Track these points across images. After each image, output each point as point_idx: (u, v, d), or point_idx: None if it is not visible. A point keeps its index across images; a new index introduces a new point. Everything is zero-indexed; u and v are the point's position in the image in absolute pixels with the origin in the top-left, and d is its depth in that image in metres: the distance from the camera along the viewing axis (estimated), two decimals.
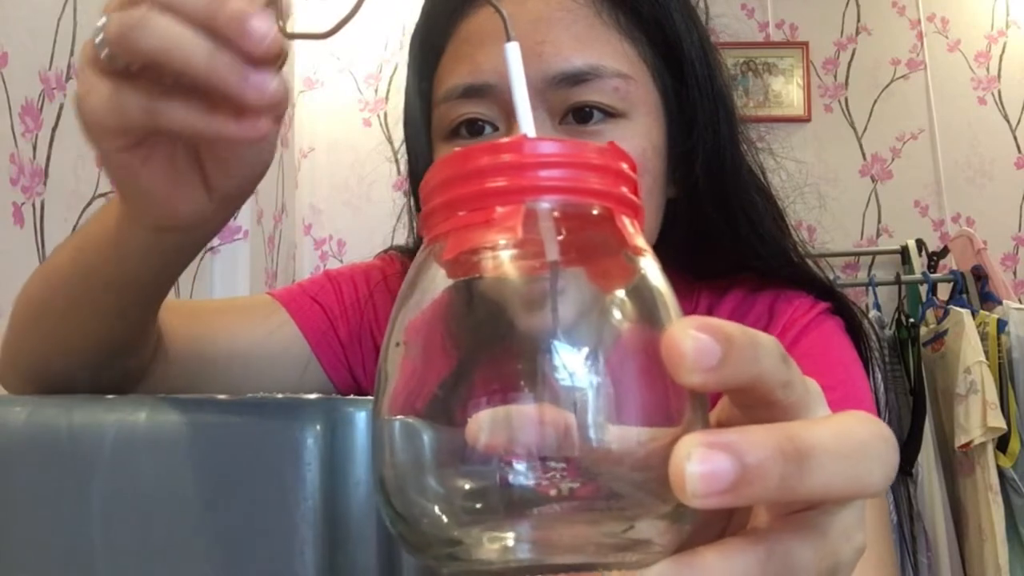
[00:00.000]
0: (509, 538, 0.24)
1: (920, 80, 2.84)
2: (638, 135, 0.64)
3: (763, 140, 0.75)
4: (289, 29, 0.37)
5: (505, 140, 0.26)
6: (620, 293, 0.26)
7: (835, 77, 2.86)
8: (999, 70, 2.84)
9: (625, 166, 0.27)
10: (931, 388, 2.34)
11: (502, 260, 0.25)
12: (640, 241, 0.27)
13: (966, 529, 2.26)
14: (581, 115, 0.63)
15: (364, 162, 2.53)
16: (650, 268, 0.27)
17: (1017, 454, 2.23)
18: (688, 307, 0.74)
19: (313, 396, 0.40)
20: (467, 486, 0.24)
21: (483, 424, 0.24)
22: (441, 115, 0.66)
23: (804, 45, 2.83)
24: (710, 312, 0.73)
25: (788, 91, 2.81)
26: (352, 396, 0.41)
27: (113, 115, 0.40)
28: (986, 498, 2.18)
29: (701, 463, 0.22)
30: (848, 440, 0.24)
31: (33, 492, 0.39)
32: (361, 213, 2.55)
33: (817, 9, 2.86)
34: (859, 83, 2.85)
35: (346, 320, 0.78)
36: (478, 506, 0.24)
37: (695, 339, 0.23)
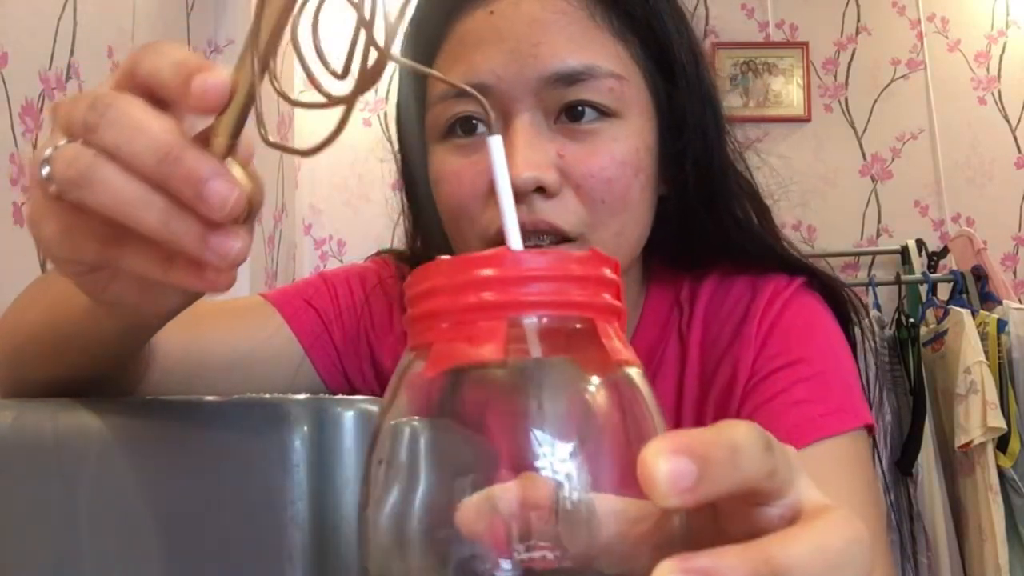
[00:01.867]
0: None
1: (920, 80, 2.84)
2: (631, 134, 0.65)
3: (749, 139, 0.75)
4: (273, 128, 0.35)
5: (489, 253, 0.26)
6: (600, 392, 0.27)
7: (835, 77, 2.86)
8: (999, 70, 2.84)
9: (608, 271, 0.28)
10: (931, 388, 2.34)
11: (484, 374, 0.26)
12: (622, 350, 0.27)
13: (966, 529, 2.26)
14: (574, 113, 0.64)
15: (364, 162, 2.54)
16: (634, 373, 0.27)
17: (1017, 454, 2.23)
18: (671, 295, 0.75)
19: (301, 397, 0.40)
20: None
21: (466, 516, 0.25)
22: (436, 115, 0.66)
23: (804, 45, 2.83)
24: (692, 297, 0.74)
25: (788, 91, 2.80)
26: (340, 396, 0.41)
27: (65, 249, 0.38)
28: (986, 498, 2.18)
29: None
30: (824, 554, 0.25)
31: (19, 495, 0.39)
32: (361, 213, 2.55)
33: (817, 9, 2.86)
34: (859, 83, 2.85)
35: (341, 324, 0.78)
36: None
37: (669, 462, 0.23)
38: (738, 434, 0.25)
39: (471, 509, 0.25)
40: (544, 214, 0.62)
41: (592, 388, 0.27)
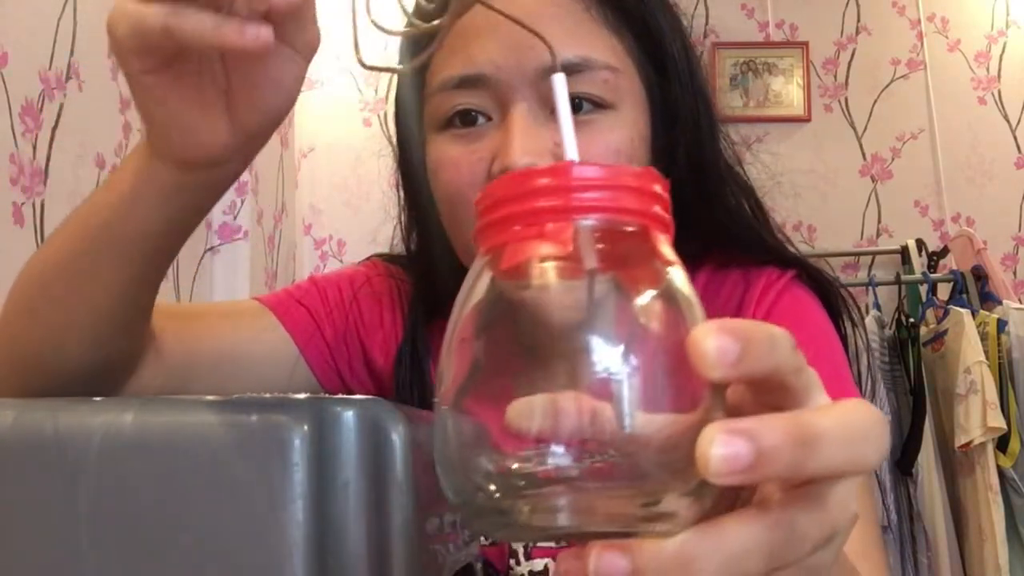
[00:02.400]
0: (552, 509, 0.28)
1: (920, 80, 2.84)
2: (626, 125, 0.66)
3: (740, 136, 0.76)
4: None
5: (554, 165, 0.29)
6: (650, 296, 0.30)
7: (835, 77, 2.86)
8: (999, 70, 2.84)
9: (658, 187, 0.30)
10: (931, 388, 2.34)
11: (551, 270, 0.29)
12: (670, 253, 0.30)
13: (966, 529, 2.26)
14: (571, 105, 0.64)
15: (364, 162, 2.54)
16: (678, 276, 0.30)
17: (1017, 454, 2.23)
18: None
19: (301, 396, 0.40)
20: (515, 465, 0.28)
21: (529, 410, 0.28)
22: (435, 106, 0.67)
23: (804, 45, 2.83)
24: None
25: (788, 91, 2.81)
26: (340, 396, 0.41)
27: (133, 34, 0.43)
28: (986, 498, 2.18)
29: (723, 447, 0.25)
30: (849, 426, 0.28)
31: (19, 495, 0.39)
32: (361, 213, 2.55)
33: (817, 9, 2.86)
34: (859, 83, 2.85)
35: (331, 321, 0.79)
36: (523, 483, 0.28)
37: (717, 338, 0.26)
38: (774, 329, 0.28)
39: (529, 406, 0.28)
40: None
41: (643, 298, 0.30)
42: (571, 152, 0.32)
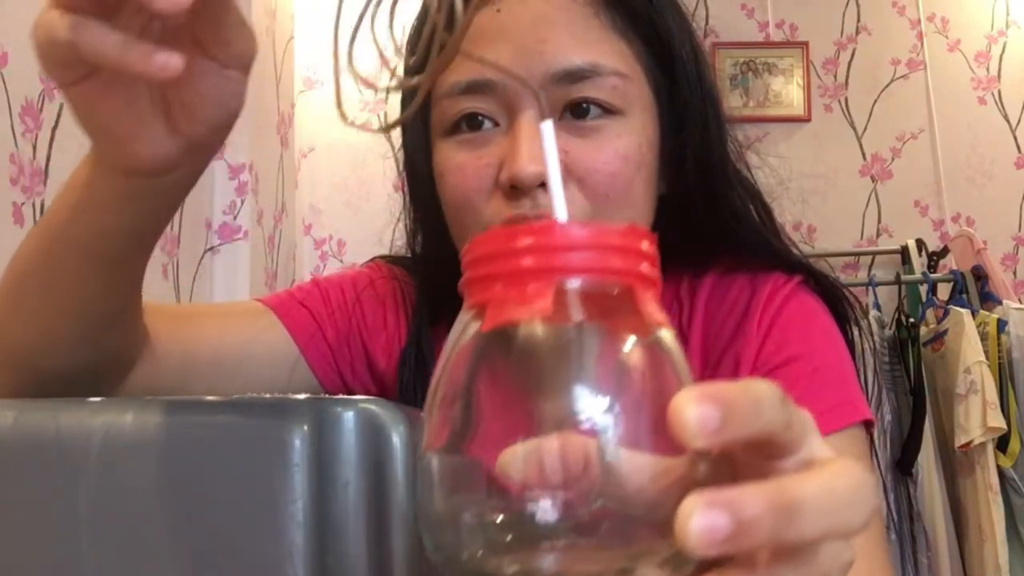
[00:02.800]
0: (533, 570, 0.27)
1: (920, 80, 2.84)
2: (634, 131, 0.66)
3: (748, 138, 0.76)
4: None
5: (539, 223, 0.30)
6: (635, 353, 0.30)
7: (835, 77, 2.86)
8: (999, 70, 2.84)
9: (645, 245, 0.30)
10: (931, 388, 2.34)
11: (536, 328, 0.29)
12: (656, 312, 0.30)
13: (966, 529, 2.26)
14: (578, 111, 0.65)
15: (364, 162, 2.54)
16: (664, 335, 0.30)
17: (1017, 454, 2.23)
18: (671, 292, 0.76)
19: (301, 396, 0.40)
20: (498, 519, 0.28)
21: (514, 462, 0.28)
22: (442, 111, 0.67)
23: (804, 45, 2.83)
24: (692, 293, 0.75)
25: (788, 91, 2.81)
26: (340, 396, 0.41)
27: (48, 45, 0.41)
28: (986, 498, 2.18)
29: (703, 518, 0.25)
30: (832, 492, 0.28)
31: (20, 495, 0.39)
32: (361, 213, 2.55)
33: (817, 9, 2.86)
34: (859, 83, 2.85)
35: (334, 323, 0.78)
36: (508, 538, 0.28)
37: (698, 407, 0.26)
38: (760, 388, 0.28)
39: (516, 456, 0.28)
40: (549, 208, 0.63)
41: (628, 349, 0.30)
42: (559, 211, 0.32)
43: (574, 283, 0.29)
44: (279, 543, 0.38)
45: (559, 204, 0.32)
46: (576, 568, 0.27)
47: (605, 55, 0.65)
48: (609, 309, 0.30)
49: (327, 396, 0.41)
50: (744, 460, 0.31)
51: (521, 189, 0.63)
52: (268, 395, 0.41)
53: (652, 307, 0.30)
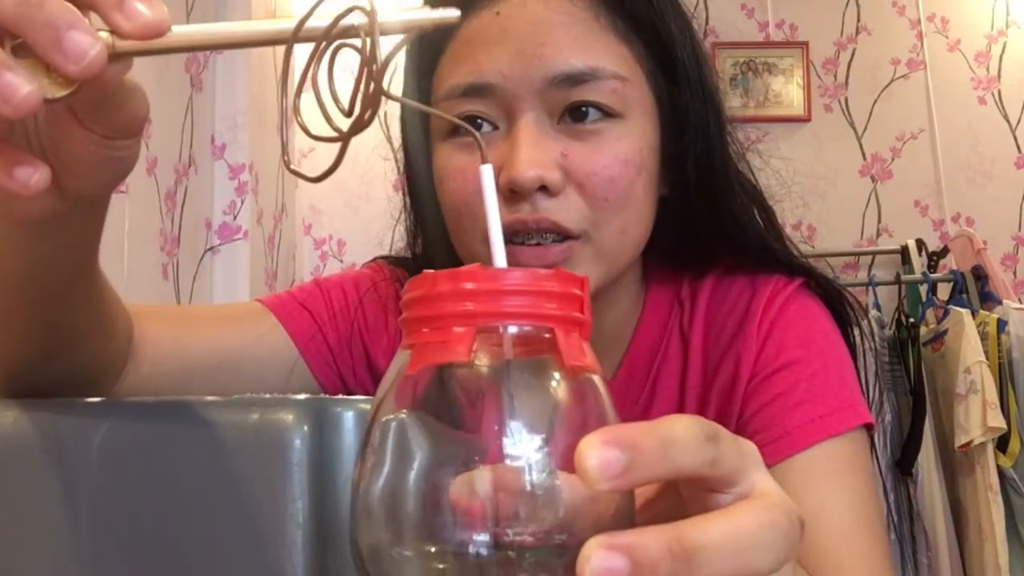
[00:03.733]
0: None
1: (920, 80, 2.84)
2: (634, 135, 0.66)
3: (750, 140, 0.76)
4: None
5: (469, 268, 0.30)
6: (555, 394, 0.31)
7: (835, 77, 2.86)
8: (999, 70, 2.84)
9: (574, 289, 0.31)
10: (931, 388, 2.34)
11: (459, 370, 0.30)
12: (580, 356, 0.31)
13: (966, 529, 2.26)
14: (577, 114, 0.65)
15: (364, 162, 2.53)
16: (587, 378, 0.31)
17: (1017, 454, 2.23)
18: (671, 293, 0.76)
19: (301, 397, 0.40)
20: (434, 550, 0.29)
21: (444, 494, 0.28)
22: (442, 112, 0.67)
23: (804, 45, 2.83)
24: (693, 295, 0.75)
25: (788, 91, 2.80)
26: (339, 396, 0.41)
27: None
28: (986, 498, 2.18)
29: (601, 561, 0.26)
30: (735, 536, 0.28)
31: (20, 495, 0.39)
32: (361, 213, 2.55)
33: (817, 9, 2.86)
34: (859, 83, 2.85)
35: (335, 326, 0.78)
36: (440, 568, 0.28)
37: (599, 452, 0.26)
38: (675, 427, 0.28)
39: (446, 488, 0.28)
40: (547, 212, 0.63)
41: (553, 386, 0.31)
42: (498, 257, 0.33)
43: (497, 327, 0.30)
44: (279, 543, 0.38)
45: (498, 248, 0.33)
46: None
47: (604, 58, 0.65)
48: (537, 352, 0.31)
49: (326, 396, 0.41)
50: (686, 492, 0.31)
51: (520, 193, 0.63)
52: (268, 395, 0.41)
53: (575, 349, 0.31)
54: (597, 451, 0.26)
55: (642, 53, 0.68)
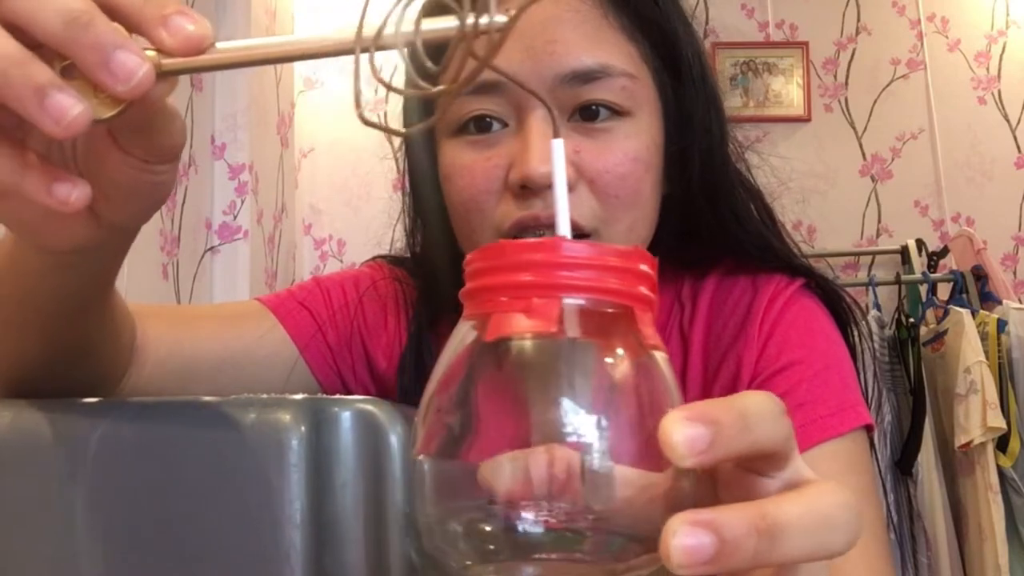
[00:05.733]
0: None
1: (920, 80, 2.84)
2: (643, 132, 0.66)
3: (749, 139, 0.76)
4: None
5: (546, 240, 0.30)
6: (628, 371, 0.31)
7: (835, 77, 2.86)
8: (999, 70, 2.84)
9: (644, 266, 0.31)
10: (931, 388, 2.33)
11: (535, 342, 0.30)
12: (652, 335, 0.31)
13: (966, 529, 2.26)
14: (588, 112, 0.65)
15: (364, 162, 2.54)
16: (659, 357, 0.31)
17: (1017, 454, 2.23)
18: (672, 293, 0.76)
19: (298, 397, 0.40)
20: (486, 528, 0.28)
21: (502, 470, 0.28)
22: (451, 109, 0.66)
23: (804, 45, 2.83)
24: (694, 295, 0.75)
25: (788, 91, 2.80)
26: (337, 396, 0.41)
27: None
28: (986, 498, 2.18)
29: (686, 538, 0.26)
30: (814, 515, 0.28)
31: (16, 496, 0.39)
32: (361, 213, 2.55)
33: (817, 9, 2.86)
34: (859, 83, 2.85)
35: (335, 325, 0.78)
36: (493, 547, 0.28)
37: (686, 428, 0.27)
38: (751, 402, 0.28)
39: (503, 466, 0.28)
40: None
41: (621, 367, 0.30)
42: (563, 228, 0.33)
43: (575, 301, 0.30)
44: (277, 544, 0.38)
45: (564, 222, 0.33)
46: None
47: (614, 56, 0.65)
48: (606, 328, 0.30)
49: (324, 396, 0.41)
50: (727, 475, 0.32)
51: (532, 189, 0.62)
52: (265, 395, 0.41)
53: (648, 328, 0.31)
54: (682, 427, 0.27)
55: (648, 52, 0.68)
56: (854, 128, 2.84)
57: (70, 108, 0.33)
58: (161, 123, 0.39)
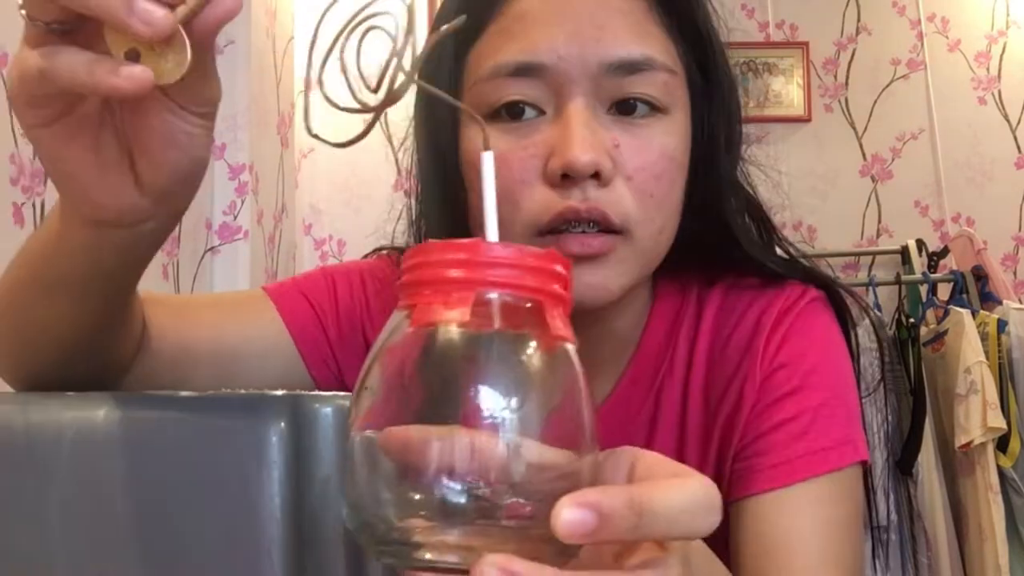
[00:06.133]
0: (442, 544, 0.31)
1: (920, 80, 2.84)
2: (678, 132, 0.65)
3: (749, 138, 0.75)
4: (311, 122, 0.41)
5: (468, 241, 0.33)
6: (540, 360, 0.34)
7: (835, 77, 2.85)
8: (999, 70, 2.83)
9: (558, 267, 0.34)
10: (931, 388, 2.33)
11: (454, 332, 0.33)
12: (562, 328, 0.34)
13: (966, 529, 2.26)
14: (626, 106, 0.63)
15: (365, 162, 2.54)
16: (568, 348, 0.34)
17: (1017, 454, 2.22)
18: (679, 301, 0.75)
19: (278, 392, 0.40)
20: (415, 497, 0.31)
21: (426, 446, 0.31)
22: (483, 92, 0.64)
23: (804, 45, 2.82)
24: (700, 304, 0.74)
25: (788, 91, 2.80)
26: (317, 392, 0.41)
27: (20, 82, 0.41)
28: (986, 498, 2.18)
29: (571, 514, 0.30)
30: (680, 502, 0.32)
31: None
32: (361, 213, 2.55)
33: (817, 9, 2.86)
34: (859, 83, 2.85)
35: (337, 319, 0.76)
36: (419, 515, 0.31)
37: (573, 512, 0.30)
38: (666, 500, 0.32)
39: (430, 442, 0.31)
40: (598, 202, 0.61)
41: (531, 355, 0.34)
42: (491, 232, 0.36)
43: (493, 295, 0.33)
44: (257, 540, 0.38)
45: (492, 226, 0.36)
46: (479, 544, 0.31)
47: (657, 50, 0.64)
48: (519, 320, 0.34)
49: (304, 392, 0.41)
50: None
51: (572, 179, 0.61)
52: (244, 390, 0.41)
53: (559, 322, 0.34)
54: (570, 511, 0.30)
55: (685, 51, 0.67)
56: (854, 128, 2.84)
57: (155, 10, 0.37)
58: (203, 69, 0.42)
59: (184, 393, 0.41)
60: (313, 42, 0.39)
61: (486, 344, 0.33)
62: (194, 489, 0.38)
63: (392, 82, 0.37)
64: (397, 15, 0.37)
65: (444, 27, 0.38)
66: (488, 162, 0.37)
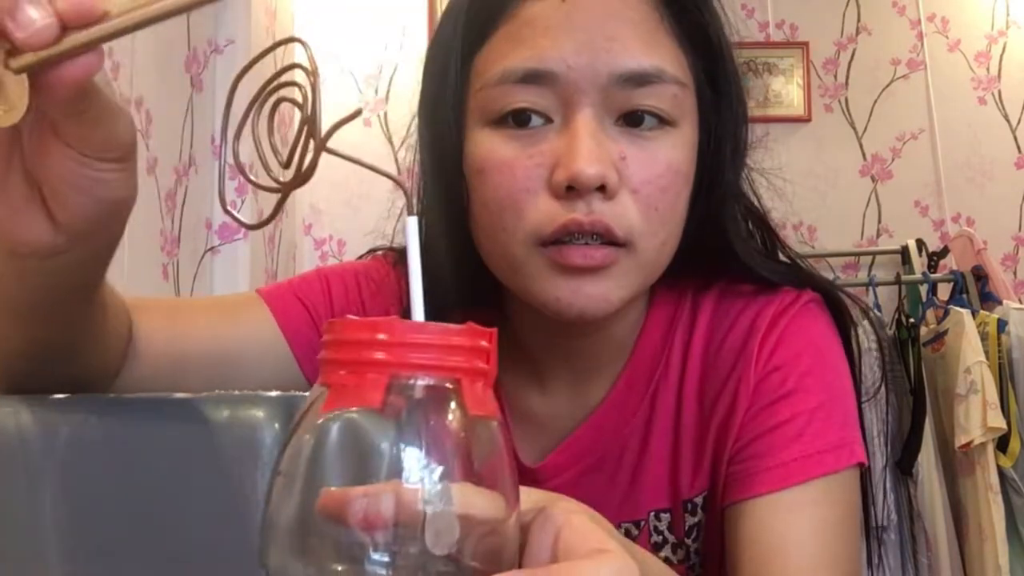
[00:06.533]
0: None
1: (920, 80, 2.84)
2: (685, 144, 0.65)
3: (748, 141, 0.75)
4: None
5: (387, 320, 0.33)
6: (451, 439, 0.33)
7: (835, 77, 2.85)
8: (999, 70, 2.83)
9: (484, 343, 0.34)
10: (931, 388, 2.33)
11: (364, 417, 0.33)
12: (481, 403, 0.34)
13: (966, 529, 2.26)
14: (633, 118, 0.62)
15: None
16: (491, 424, 0.34)
17: (1017, 454, 2.22)
18: (673, 306, 0.74)
19: (272, 394, 0.40)
20: (334, 567, 0.31)
21: (348, 514, 0.31)
22: (489, 98, 0.63)
23: (804, 45, 2.82)
24: (695, 308, 0.73)
25: (788, 91, 2.80)
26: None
27: None
28: (986, 498, 2.18)
29: None
30: None
31: None
32: (361, 213, 2.56)
33: (817, 9, 2.85)
34: (859, 83, 2.84)
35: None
36: None
37: None
38: None
39: (351, 509, 0.31)
40: (602, 215, 0.61)
41: (445, 435, 0.33)
42: (417, 312, 0.36)
43: (408, 379, 0.33)
44: (249, 541, 0.38)
45: (418, 306, 0.36)
46: None
47: (668, 62, 0.63)
48: (434, 400, 0.33)
49: (297, 393, 0.41)
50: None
51: (578, 191, 0.60)
52: (238, 392, 0.41)
53: (476, 398, 0.33)
54: None
55: (695, 63, 0.66)
56: (854, 128, 2.84)
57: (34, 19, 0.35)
58: (95, 116, 0.40)
59: (177, 395, 0.41)
60: (228, 105, 0.38)
61: (399, 424, 0.33)
62: (187, 490, 0.38)
63: (302, 160, 0.36)
64: (306, 85, 0.36)
65: (344, 116, 0.37)
66: (413, 229, 0.37)
